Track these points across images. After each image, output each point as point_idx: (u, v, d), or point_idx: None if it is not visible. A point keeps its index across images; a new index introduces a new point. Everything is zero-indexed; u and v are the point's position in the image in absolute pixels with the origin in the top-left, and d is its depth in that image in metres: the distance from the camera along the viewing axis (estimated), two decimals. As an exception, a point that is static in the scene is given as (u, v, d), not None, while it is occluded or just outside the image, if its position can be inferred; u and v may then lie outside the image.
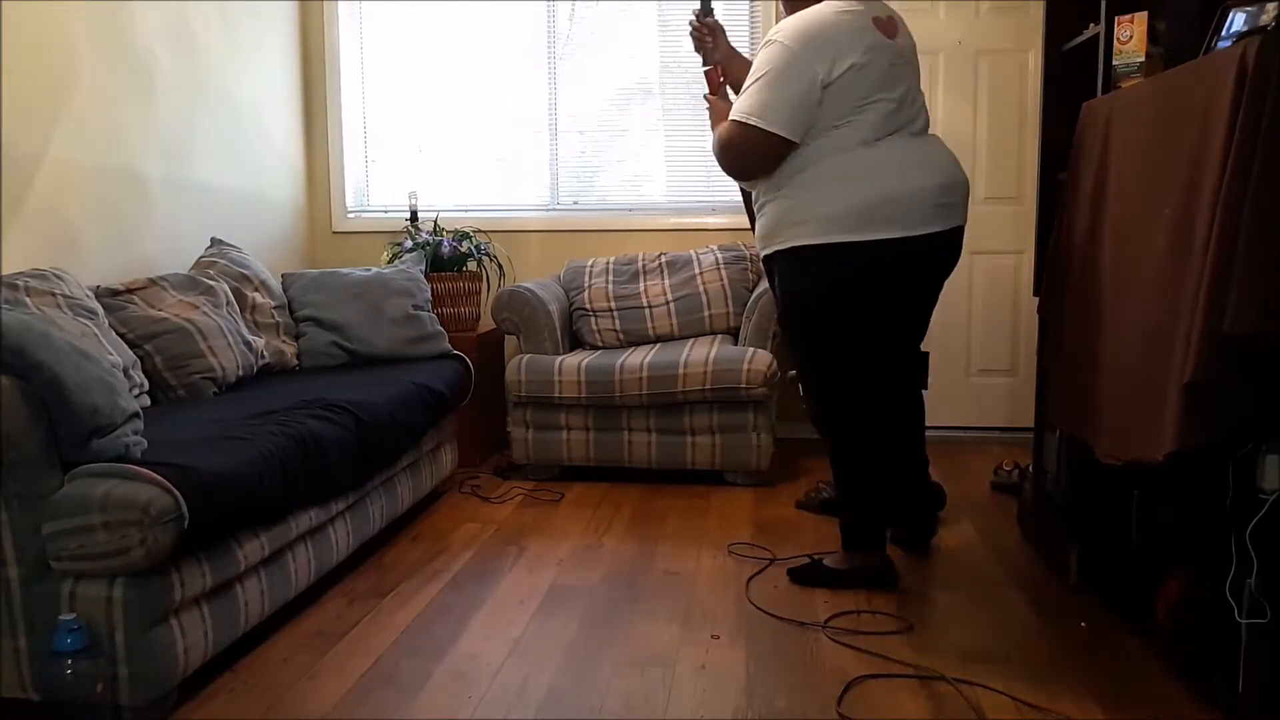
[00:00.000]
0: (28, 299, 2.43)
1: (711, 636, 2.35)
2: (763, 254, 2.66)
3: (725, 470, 3.63)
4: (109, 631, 1.88)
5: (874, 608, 2.48)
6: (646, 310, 4.03)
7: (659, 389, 3.53)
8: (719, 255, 4.09)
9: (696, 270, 4.08)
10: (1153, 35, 2.39)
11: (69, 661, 1.80)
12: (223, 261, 3.37)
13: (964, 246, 2.59)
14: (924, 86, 2.65)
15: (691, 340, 3.88)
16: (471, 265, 4.13)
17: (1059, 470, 2.77)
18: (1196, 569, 2.00)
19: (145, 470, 1.91)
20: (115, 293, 2.87)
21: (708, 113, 2.76)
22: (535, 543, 3.04)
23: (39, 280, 2.53)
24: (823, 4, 2.47)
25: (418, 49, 4.52)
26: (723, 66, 2.81)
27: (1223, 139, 1.74)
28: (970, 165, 3.77)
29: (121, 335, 2.75)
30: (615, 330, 4.03)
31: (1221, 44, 2.01)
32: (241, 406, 2.64)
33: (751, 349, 3.62)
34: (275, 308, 3.45)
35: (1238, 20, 1.98)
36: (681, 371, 3.53)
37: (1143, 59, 2.39)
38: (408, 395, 3.02)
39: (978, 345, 4.35)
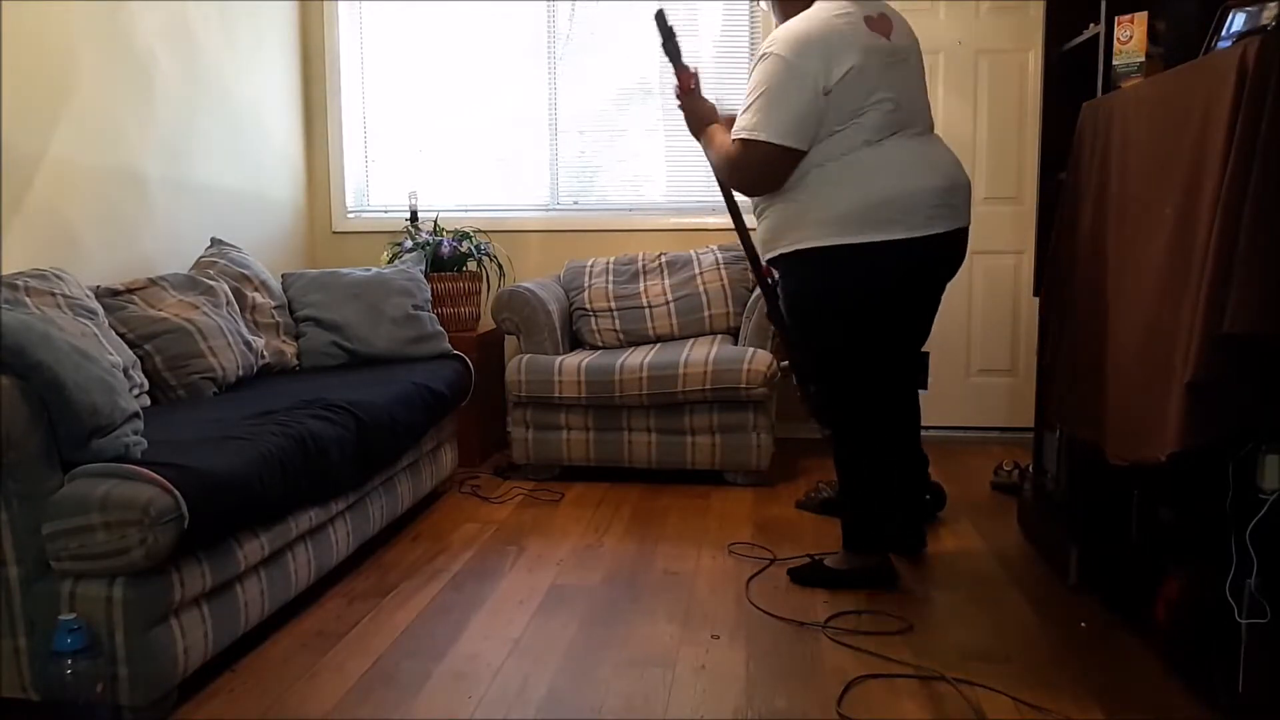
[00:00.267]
0: (28, 299, 2.43)
1: (711, 636, 2.35)
2: (765, 258, 2.66)
3: (725, 470, 3.63)
4: (109, 631, 1.88)
5: (874, 608, 2.48)
6: (646, 310, 4.03)
7: (659, 389, 3.53)
8: (719, 255, 4.09)
9: (696, 270, 4.08)
10: (1153, 35, 2.39)
11: (69, 661, 1.80)
12: (223, 261, 3.37)
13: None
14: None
15: (691, 340, 3.88)
16: (471, 265, 4.13)
17: (1059, 470, 2.77)
18: (1196, 569, 2.00)
19: (145, 470, 1.91)
20: (115, 293, 2.87)
21: (684, 117, 2.72)
22: (535, 543, 3.04)
23: (39, 280, 2.53)
24: (814, 8, 2.46)
25: (418, 49, 4.52)
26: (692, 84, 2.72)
27: (1223, 139, 1.74)
28: (970, 165, 3.76)
29: (121, 335, 2.75)
30: (615, 330, 4.02)
31: (1221, 44, 2.01)
32: (241, 406, 2.64)
33: (751, 349, 3.62)
34: (275, 308, 3.45)
35: (1238, 20, 1.98)
36: (681, 371, 3.53)
37: (1143, 59, 2.38)
38: (408, 395, 3.02)
39: (978, 345, 4.35)
